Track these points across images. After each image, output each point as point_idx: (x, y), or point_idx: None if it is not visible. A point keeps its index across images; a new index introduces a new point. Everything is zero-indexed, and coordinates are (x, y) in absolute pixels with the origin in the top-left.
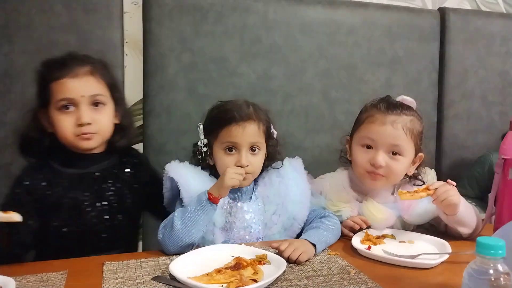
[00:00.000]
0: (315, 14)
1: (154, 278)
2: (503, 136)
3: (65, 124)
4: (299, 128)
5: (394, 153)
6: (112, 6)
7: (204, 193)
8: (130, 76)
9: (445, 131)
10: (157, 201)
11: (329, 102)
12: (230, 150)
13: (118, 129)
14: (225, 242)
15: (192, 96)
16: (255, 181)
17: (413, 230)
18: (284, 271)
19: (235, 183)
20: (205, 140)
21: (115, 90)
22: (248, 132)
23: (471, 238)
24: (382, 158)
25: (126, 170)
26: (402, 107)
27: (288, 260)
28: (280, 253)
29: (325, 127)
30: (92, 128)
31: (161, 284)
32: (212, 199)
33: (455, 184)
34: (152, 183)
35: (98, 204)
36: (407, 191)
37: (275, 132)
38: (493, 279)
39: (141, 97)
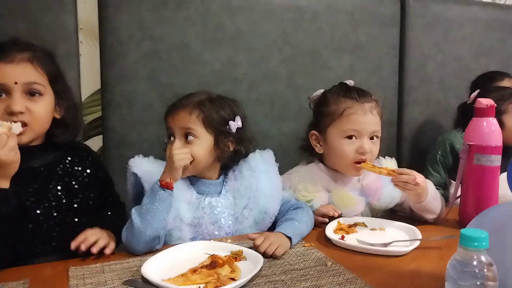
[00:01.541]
0: (279, 0)
1: (125, 282)
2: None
3: None
4: (265, 116)
5: (372, 138)
6: None
7: (156, 182)
8: (86, 65)
9: (405, 116)
10: (108, 199)
11: (294, 89)
12: (172, 138)
13: (60, 123)
14: (193, 238)
15: (154, 86)
16: (225, 174)
17: (381, 217)
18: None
19: (184, 163)
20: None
21: (57, 81)
22: (179, 119)
23: (435, 222)
24: (368, 145)
25: (75, 166)
26: (367, 93)
27: (264, 254)
28: (255, 247)
29: (290, 114)
30: (24, 118)
31: None
32: (165, 185)
33: (421, 180)
34: (104, 181)
35: (44, 201)
36: (370, 164)
37: (235, 124)
38: (477, 271)
39: (99, 87)
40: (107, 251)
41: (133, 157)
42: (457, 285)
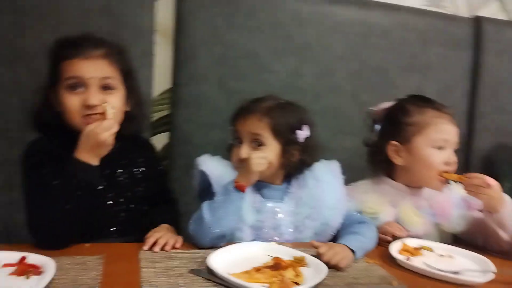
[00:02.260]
0: (348, 14)
1: (192, 271)
2: None
3: (72, 104)
4: (327, 128)
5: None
6: None
7: (231, 182)
8: (159, 65)
9: (474, 143)
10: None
11: (359, 105)
12: (239, 142)
13: (128, 117)
14: (253, 241)
15: (222, 90)
16: (289, 181)
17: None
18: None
19: (261, 168)
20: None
21: (129, 77)
22: (248, 125)
23: (510, 252)
24: (454, 156)
25: (139, 158)
26: (445, 105)
27: (327, 264)
28: (319, 255)
29: (354, 130)
30: (100, 110)
31: (199, 277)
32: (239, 187)
33: (494, 183)
34: (161, 175)
35: (114, 187)
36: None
37: (303, 133)
38: None
39: (169, 86)
40: (177, 245)
41: (198, 156)
42: None
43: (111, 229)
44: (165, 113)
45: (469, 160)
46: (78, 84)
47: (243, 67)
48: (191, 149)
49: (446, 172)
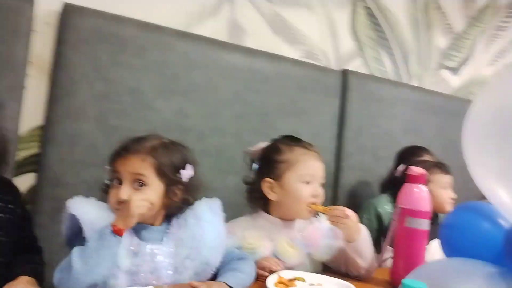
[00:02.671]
0: (234, 60)
1: None
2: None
3: None
4: (210, 168)
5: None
6: (21, 22)
7: (107, 226)
8: (31, 99)
9: (341, 180)
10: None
11: (241, 145)
12: (119, 182)
13: None
14: (129, 287)
15: (101, 127)
16: (168, 221)
17: (317, 272)
18: None
19: (141, 211)
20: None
21: None
22: (129, 165)
23: (366, 276)
24: (319, 189)
25: None
26: (312, 144)
27: None
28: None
29: (236, 169)
30: None
31: None
32: (117, 231)
33: (350, 214)
34: (24, 220)
35: None
36: (320, 205)
37: (187, 173)
38: None
39: (40, 123)
40: None
41: (68, 198)
42: None
43: None
44: (32, 151)
45: (337, 195)
46: None
47: (125, 104)
48: (61, 191)
49: (314, 204)
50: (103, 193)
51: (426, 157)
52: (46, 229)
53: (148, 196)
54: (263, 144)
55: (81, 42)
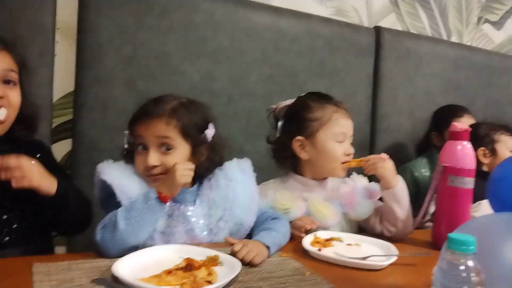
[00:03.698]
0: (261, 19)
1: (94, 280)
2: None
3: None
4: (240, 132)
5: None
6: None
7: (152, 191)
8: (61, 66)
9: (377, 143)
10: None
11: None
12: (144, 148)
13: (21, 118)
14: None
15: (130, 92)
16: (200, 182)
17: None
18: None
19: (187, 180)
20: (127, 139)
21: (23, 73)
22: (153, 129)
23: (403, 235)
24: (349, 148)
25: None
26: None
27: (242, 261)
28: (233, 253)
29: (266, 132)
30: (2, 103)
31: (103, 287)
32: (162, 198)
33: (386, 157)
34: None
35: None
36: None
37: (210, 132)
38: (464, 275)
39: (72, 89)
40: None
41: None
42: None
43: (4, 238)
44: (67, 118)
45: None
46: None
47: (153, 69)
48: (97, 156)
49: (347, 161)
50: (125, 158)
51: (466, 118)
52: (85, 192)
53: (170, 160)
54: (288, 101)
55: (105, 5)
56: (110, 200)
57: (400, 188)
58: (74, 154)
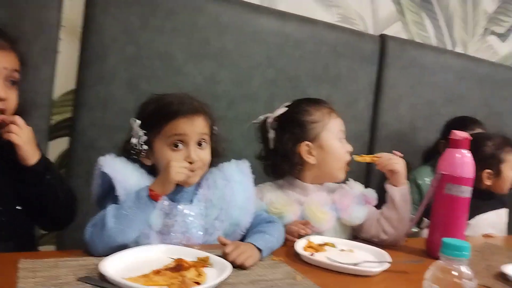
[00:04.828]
0: (267, 23)
1: (81, 279)
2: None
3: None
4: (241, 136)
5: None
6: None
7: (144, 189)
8: (63, 63)
9: (375, 151)
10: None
11: (273, 112)
12: (176, 145)
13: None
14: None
15: (132, 92)
16: (197, 182)
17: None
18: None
19: (181, 178)
20: (144, 137)
21: (25, 68)
22: (197, 125)
23: (396, 242)
24: (348, 145)
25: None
26: None
27: (233, 263)
28: (224, 255)
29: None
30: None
31: (88, 285)
32: (154, 196)
33: (401, 155)
34: None
35: None
36: (359, 155)
37: (217, 130)
38: (457, 281)
39: (73, 87)
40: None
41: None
42: None
43: None
44: (66, 116)
45: (370, 166)
46: None
47: (156, 69)
48: (94, 155)
49: (360, 156)
50: (134, 155)
51: (477, 130)
52: (79, 192)
53: (205, 155)
54: (279, 111)
55: (111, 5)
56: (107, 196)
57: (408, 188)
58: (72, 152)
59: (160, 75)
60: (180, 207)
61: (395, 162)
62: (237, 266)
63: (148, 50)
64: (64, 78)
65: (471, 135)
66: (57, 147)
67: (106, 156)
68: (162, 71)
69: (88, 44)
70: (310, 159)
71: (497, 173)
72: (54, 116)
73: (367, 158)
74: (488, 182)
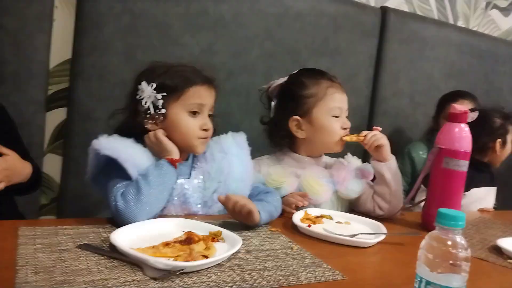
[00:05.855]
0: None
1: (80, 246)
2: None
3: None
4: (238, 108)
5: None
6: None
7: (162, 159)
8: (59, 32)
9: (375, 125)
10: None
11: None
12: (195, 112)
13: None
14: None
15: (128, 62)
16: (194, 156)
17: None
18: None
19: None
20: (161, 100)
21: None
22: (213, 96)
23: (393, 212)
24: (346, 121)
25: None
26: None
27: (237, 213)
28: (226, 206)
29: (264, 110)
30: None
31: (87, 252)
32: (173, 162)
33: (380, 129)
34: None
35: None
36: (347, 135)
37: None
38: (451, 250)
39: (69, 56)
40: None
41: (99, 133)
42: (430, 263)
43: None
44: (62, 86)
45: None
46: None
47: (153, 39)
48: (92, 126)
49: (347, 135)
50: (144, 120)
51: (471, 104)
52: (77, 162)
53: (210, 133)
54: (281, 80)
55: None
56: (100, 172)
57: (395, 161)
58: (69, 123)
59: (157, 45)
60: (179, 180)
61: (380, 137)
62: (244, 215)
63: (144, 19)
64: (60, 47)
65: (479, 109)
66: (56, 117)
67: (99, 138)
68: (159, 41)
69: (83, 12)
70: (299, 133)
71: (504, 143)
72: (51, 86)
73: (353, 138)
74: (499, 152)
